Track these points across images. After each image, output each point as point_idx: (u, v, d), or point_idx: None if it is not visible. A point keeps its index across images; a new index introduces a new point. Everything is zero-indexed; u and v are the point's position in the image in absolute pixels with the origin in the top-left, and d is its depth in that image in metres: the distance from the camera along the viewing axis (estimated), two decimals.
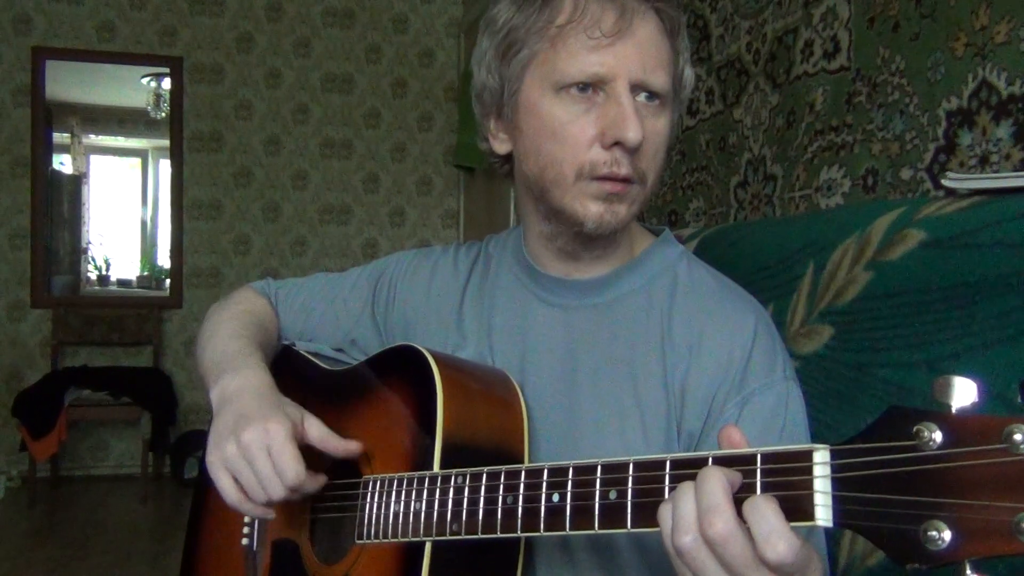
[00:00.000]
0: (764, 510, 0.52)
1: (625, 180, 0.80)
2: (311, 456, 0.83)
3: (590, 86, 0.79)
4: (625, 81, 0.78)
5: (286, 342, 1.10)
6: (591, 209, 0.81)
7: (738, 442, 0.58)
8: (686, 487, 0.56)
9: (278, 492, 0.80)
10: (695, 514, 0.54)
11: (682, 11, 0.85)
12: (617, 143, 0.78)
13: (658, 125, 0.82)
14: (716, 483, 0.54)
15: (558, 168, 0.82)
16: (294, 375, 1.05)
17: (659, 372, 0.84)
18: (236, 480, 0.82)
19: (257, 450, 0.80)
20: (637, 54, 0.79)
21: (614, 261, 0.90)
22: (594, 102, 0.80)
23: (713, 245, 1.19)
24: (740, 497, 0.54)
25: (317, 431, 0.84)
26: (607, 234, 0.84)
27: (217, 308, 1.09)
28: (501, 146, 0.90)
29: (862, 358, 0.89)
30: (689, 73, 0.86)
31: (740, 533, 0.53)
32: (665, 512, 0.57)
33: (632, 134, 0.77)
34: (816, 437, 0.85)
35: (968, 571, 0.44)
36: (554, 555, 0.84)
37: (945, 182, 0.91)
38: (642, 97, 0.81)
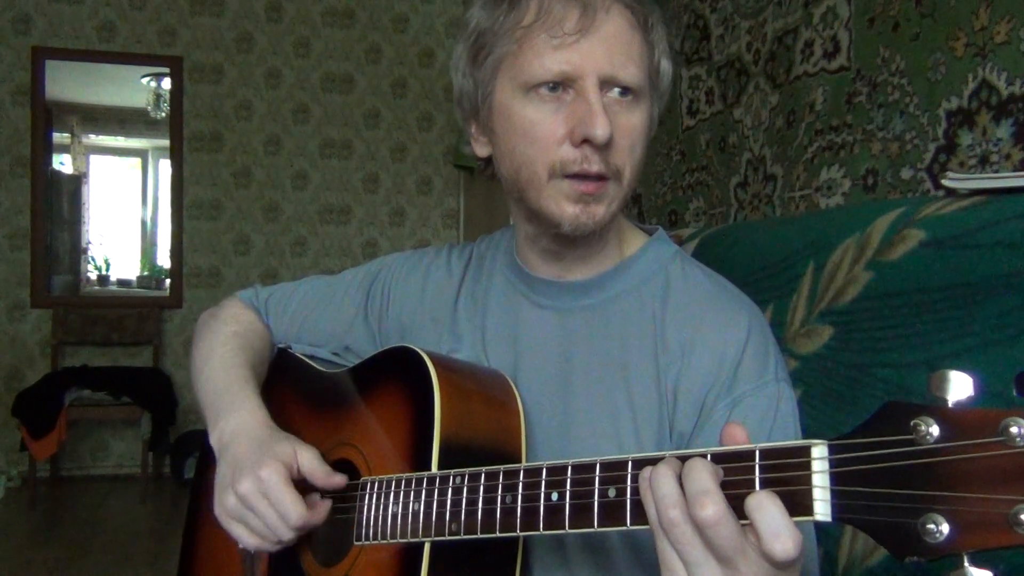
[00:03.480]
0: (769, 506, 0.52)
1: (599, 177, 0.80)
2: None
3: (559, 85, 0.79)
4: (593, 78, 0.78)
5: (281, 345, 1.10)
6: (567, 211, 0.81)
7: (741, 439, 0.58)
8: (663, 469, 0.56)
9: (286, 534, 0.83)
10: (677, 493, 0.55)
11: (655, 4, 0.84)
12: (586, 140, 0.78)
13: (632, 120, 0.81)
14: (704, 470, 0.55)
15: (531, 168, 0.81)
16: (290, 378, 1.05)
17: (652, 373, 0.84)
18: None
19: (256, 499, 0.82)
20: (604, 50, 0.78)
21: (603, 261, 0.89)
22: (563, 101, 0.79)
23: (713, 245, 1.19)
24: (741, 493, 0.54)
25: (307, 463, 0.85)
26: (585, 235, 0.83)
27: (206, 328, 1.07)
28: (482, 149, 0.90)
29: (862, 358, 0.89)
30: (666, 65, 0.85)
31: (731, 518, 0.53)
32: (646, 493, 0.57)
33: (600, 131, 0.76)
34: (814, 436, 0.84)
35: (966, 563, 0.45)
36: (549, 556, 0.84)
37: (945, 182, 0.90)
38: (615, 92, 0.80)
